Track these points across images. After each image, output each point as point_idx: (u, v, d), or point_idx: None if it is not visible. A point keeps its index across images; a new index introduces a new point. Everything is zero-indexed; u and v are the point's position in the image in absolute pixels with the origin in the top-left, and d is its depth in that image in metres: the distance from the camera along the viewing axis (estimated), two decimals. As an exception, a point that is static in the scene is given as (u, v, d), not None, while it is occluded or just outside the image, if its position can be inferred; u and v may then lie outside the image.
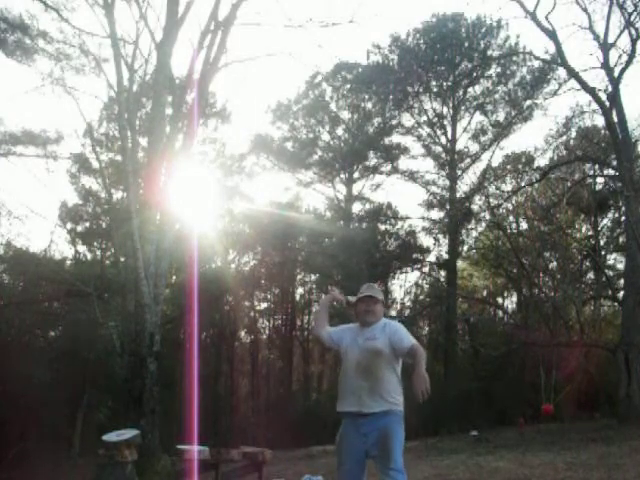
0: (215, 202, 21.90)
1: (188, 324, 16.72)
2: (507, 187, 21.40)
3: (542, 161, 22.22)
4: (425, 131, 26.11)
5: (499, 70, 24.23)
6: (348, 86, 26.62)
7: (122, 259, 14.59)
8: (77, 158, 20.21)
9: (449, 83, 25.04)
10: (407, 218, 26.23)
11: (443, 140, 25.85)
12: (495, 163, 23.96)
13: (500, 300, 27.89)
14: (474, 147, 25.56)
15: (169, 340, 18.14)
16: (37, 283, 19.23)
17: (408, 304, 28.02)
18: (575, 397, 17.70)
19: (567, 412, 17.54)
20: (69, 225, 21.67)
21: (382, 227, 26.54)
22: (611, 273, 23.02)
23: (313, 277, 28.91)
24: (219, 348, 25.95)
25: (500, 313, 27.04)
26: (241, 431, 22.41)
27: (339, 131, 27.84)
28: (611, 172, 17.90)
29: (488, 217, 21.81)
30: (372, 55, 25.07)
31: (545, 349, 17.11)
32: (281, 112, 27.09)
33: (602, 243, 24.12)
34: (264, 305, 29.85)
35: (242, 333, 29.00)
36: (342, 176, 27.78)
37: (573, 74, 16.12)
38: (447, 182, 25.10)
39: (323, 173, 27.61)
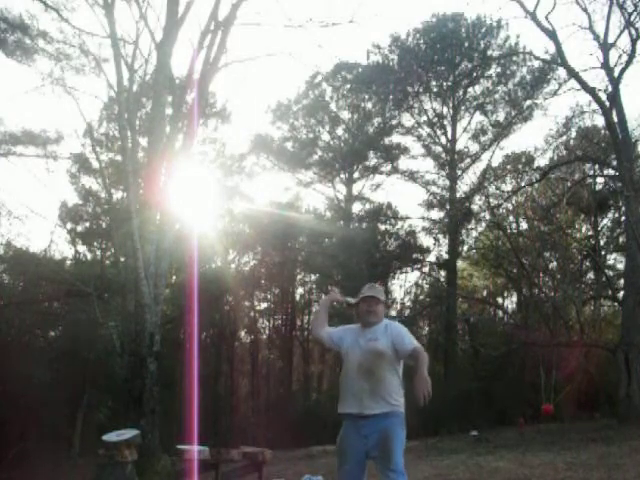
0: (215, 202, 21.92)
1: (188, 324, 16.71)
2: (507, 187, 21.44)
3: (542, 161, 22.26)
4: (425, 131, 26.14)
5: (499, 70, 24.23)
6: (348, 86, 26.62)
7: (122, 259, 14.59)
8: (77, 158, 20.22)
9: (449, 83, 25.04)
10: (407, 218, 26.25)
11: (443, 140, 25.86)
12: (495, 163, 24.02)
13: (500, 300, 27.91)
14: (474, 147, 25.62)
15: (169, 340, 18.14)
16: (37, 283, 19.23)
17: (408, 304, 28.04)
18: (575, 397, 17.70)
19: (567, 412, 17.53)
20: (69, 225, 21.69)
21: (382, 227, 26.54)
22: (611, 273, 23.03)
23: (313, 277, 28.92)
24: (219, 348, 25.95)
25: (500, 313, 27.05)
26: (241, 431, 22.40)
27: (339, 131, 27.86)
28: (611, 172, 17.91)
29: (488, 217, 21.83)
30: (372, 55, 25.12)
31: (545, 349, 17.11)
32: (281, 112, 27.09)
33: (602, 243, 24.12)
34: (264, 305, 29.89)
35: (242, 333, 29.03)
36: (342, 176, 27.79)
37: (573, 74, 16.13)
38: (447, 182, 25.11)
39: (323, 173, 27.61)
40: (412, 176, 26.20)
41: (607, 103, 15.45)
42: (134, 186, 10.83)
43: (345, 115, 27.55)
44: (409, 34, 24.58)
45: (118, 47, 11.10)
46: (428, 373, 3.42)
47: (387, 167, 27.01)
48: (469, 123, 25.76)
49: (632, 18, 15.38)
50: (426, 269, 27.16)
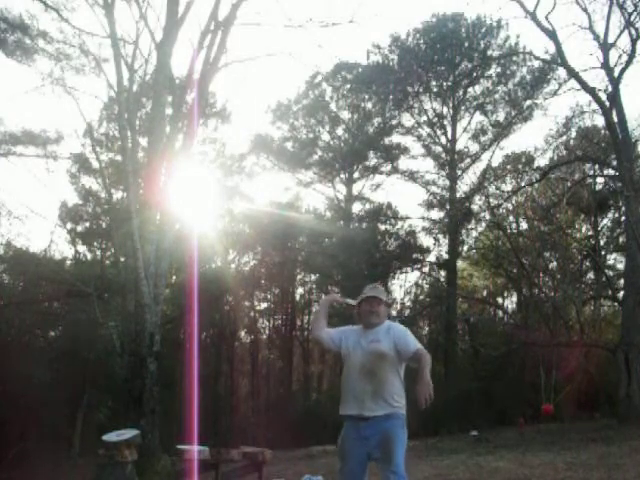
0: (215, 202, 21.91)
1: (188, 324, 16.72)
2: (507, 187, 21.45)
3: (542, 161, 22.27)
4: (425, 131, 26.14)
5: (499, 70, 24.24)
6: (348, 86, 26.62)
7: (122, 259, 14.59)
8: (77, 158, 20.22)
9: (449, 83, 25.04)
10: (407, 218, 26.25)
11: (443, 140, 25.86)
12: (495, 163, 24.02)
13: (500, 300, 27.91)
14: (474, 147, 25.62)
15: (169, 340, 18.14)
16: (37, 283, 19.24)
17: (408, 304, 28.03)
18: (575, 397, 17.70)
19: (567, 412, 17.54)
20: (69, 225, 21.68)
21: (382, 227, 26.53)
22: (611, 273, 23.03)
23: (313, 277, 28.91)
24: (219, 348, 25.95)
25: (500, 313, 27.06)
26: (241, 431, 22.40)
27: (339, 131, 27.87)
28: (611, 172, 17.92)
29: (488, 217, 21.83)
30: (372, 55, 25.12)
31: (545, 349, 17.11)
32: (281, 112, 27.10)
33: (602, 243, 24.12)
34: (264, 305, 29.89)
35: (242, 333, 29.03)
36: (342, 176, 27.79)
37: (573, 74, 16.13)
38: (447, 182, 25.11)
39: (323, 173, 27.61)
40: (412, 176, 26.21)
41: (607, 103, 15.46)
42: (134, 186, 10.83)
43: (345, 115, 27.58)
44: (409, 34, 24.60)
45: (118, 47, 11.10)
46: (430, 375, 3.40)
47: (387, 167, 27.05)
48: (469, 123, 25.81)
49: (632, 18, 15.40)
50: (426, 269, 27.19)
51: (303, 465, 11.10)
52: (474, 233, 25.66)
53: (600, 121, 18.79)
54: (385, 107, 26.11)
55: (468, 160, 25.21)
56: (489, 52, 24.25)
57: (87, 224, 22.14)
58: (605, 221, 24.71)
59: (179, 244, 14.52)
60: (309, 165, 27.44)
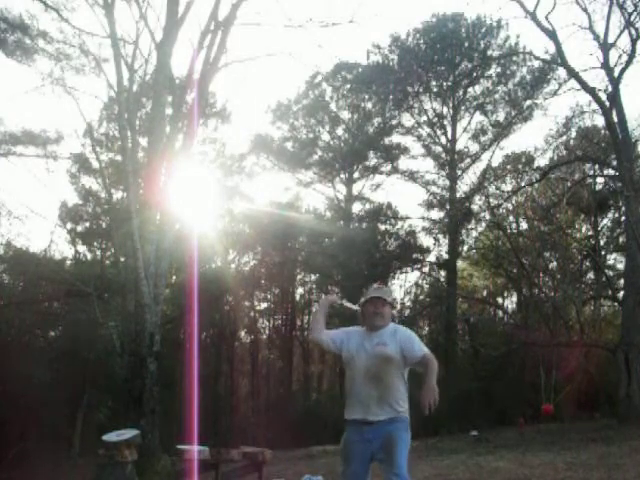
0: (215, 202, 21.90)
1: (188, 324, 16.72)
2: (507, 187, 21.45)
3: (542, 161, 22.28)
4: (425, 131, 26.14)
5: (499, 70, 24.24)
6: (348, 86, 26.62)
7: (122, 259, 14.59)
8: (77, 158, 20.22)
9: (449, 83, 25.04)
10: (407, 218, 26.25)
11: (443, 140, 25.86)
12: (495, 163, 24.03)
13: (500, 300, 27.91)
14: (474, 147, 25.62)
15: (169, 340, 18.14)
16: (37, 283, 19.24)
17: (408, 304, 28.03)
18: (575, 397, 17.70)
19: (567, 412, 17.54)
20: (69, 225, 21.70)
21: (382, 227, 26.54)
22: (611, 273, 23.03)
23: (313, 277, 28.92)
24: (219, 348, 25.95)
25: (500, 313, 27.06)
26: (241, 431, 22.40)
27: (339, 131, 27.86)
28: (611, 172, 17.92)
29: (488, 217, 21.83)
30: (372, 55, 25.12)
31: (545, 349, 17.11)
32: (281, 112, 27.10)
33: (602, 243, 24.13)
34: (264, 305, 29.89)
35: (242, 333, 29.02)
36: (342, 176, 27.79)
37: (573, 74, 16.13)
38: (447, 182, 25.11)
39: (323, 173, 27.61)
40: (412, 176, 26.22)
41: (607, 103, 15.46)
42: (134, 186, 10.84)
43: (345, 115, 27.58)
44: (409, 34, 24.60)
45: (118, 47, 11.10)
46: (436, 380, 3.37)
47: (387, 167, 27.05)
48: (469, 123, 25.82)
49: (632, 18, 15.40)
50: (426, 269, 27.19)
51: (303, 465, 11.10)
52: (474, 233, 25.70)
53: (600, 121, 18.83)
54: (385, 107, 26.11)
55: (468, 160, 25.23)
56: (489, 52, 24.27)
57: (87, 224, 22.16)
58: (605, 221, 24.75)
59: (179, 244, 14.52)
60: (309, 165, 27.44)
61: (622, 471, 7.31)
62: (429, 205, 25.52)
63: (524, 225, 22.80)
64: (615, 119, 15.36)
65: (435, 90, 25.18)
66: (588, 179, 21.16)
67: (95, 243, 22.26)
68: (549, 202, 20.02)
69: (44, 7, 12.76)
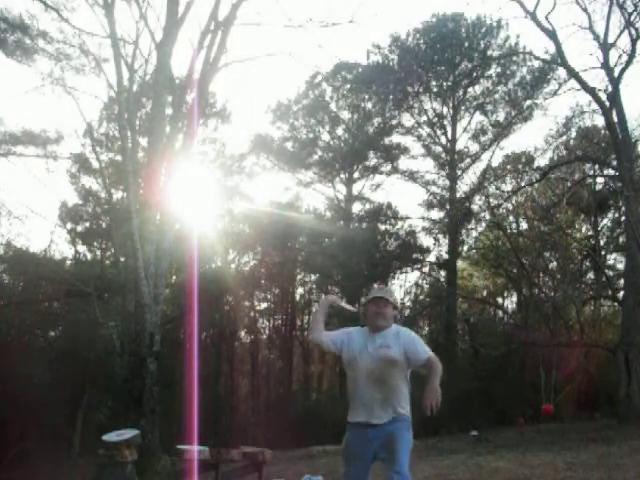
0: (215, 202, 21.90)
1: (188, 324, 16.71)
2: (507, 187, 21.46)
3: (542, 161, 22.29)
4: (425, 131, 26.15)
5: (499, 70, 24.24)
6: (348, 86, 26.62)
7: (122, 259, 14.59)
8: (77, 158, 20.23)
9: (449, 83, 25.05)
10: (407, 218, 26.25)
11: (443, 140, 25.87)
12: (495, 163, 24.04)
13: (500, 300, 27.92)
14: (474, 147, 25.63)
15: (169, 340, 18.13)
16: (37, 283, 19.24)
17: (408, 304, 28.03)
18: (575, 397, 17.70)
19: (567, 412, 17.54)
20: (69, 225, 21.70)
21: (382, 227, 26.55)
22: (611, 273, 23.04)
23: (313, 277, 28.91)
24: (219, 348, 25.94)
25: (500, 313, 27.06)
26: (241, 431, 22.39)
27: (339, 131, 27.87)
28: (611, 172, 17.92)
29: (488, 217, 21.84)
30: (372, 55, 25.12)
31: (545, 349, 17.11)
32: (281, 112, 27.10)
33: (602, 243, 24.13)
34: (264, 305, 29.88)
35: (242, 333, 29.01)
36: (342, 176, 27.79)
37: (573, 74, 16.13)
38: (447, 182, 25.12)
39: (323, 173, 27.61)
40: (412, 176, 26.22)
41: (607, 103, 15.45)
42: (134, 186, 10.84)
43: (345, 115, 27.59)
44: (409, 34, 24.60)
45: (118, 47, 11.10)
46: (440, 382, 3.36)
47: (387, 167, 27.06)
48: (469, 123, 25.82)
49: (632, 18, 15.40)
50: (426, 269, 27.19)
51: (303, 465, 11.10)
52: (474, 233, 25.71)
53: (600, 121, 18.83)
54: (385, 107, 26.12)
55: (468, 160, 25.24)
56: (489, 52, 24.27)
57: (87, 224, 22.16)
58: (605, 221, 24.76)
59: (179, 244, 14.53)
60: (309, 165, 27.45)
61: (622, 471, 7.30)
62: (429, 205, 25.54)
63: (524, 225, 22.84)
64: (615, 119, 15.36)
65: (435, 90, 25.18)
66: (588, 179, 21.16)
67: (95, 243, 22.26)
68: (549, 202, 20.02)
69: (44, 7, 12.78)
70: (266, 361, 29.59)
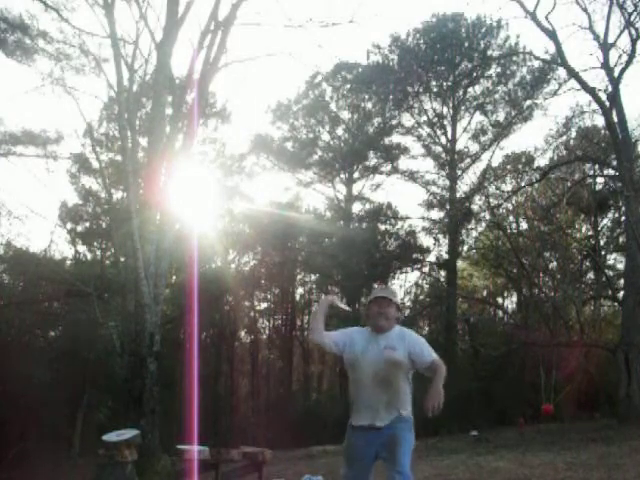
0: (215, 202, 21.91)
1: (188, 324, 16.72)
2: (507, 187, 21.46)
3: (542, 161, 22.28)
4: (425, 131, 26.15)
5: (499, 70, 24.24)
6: (348, 86, 26.63)
7: (122, 259, 14.59)
8: (77, 158, 20.24)
9: (449, 83, 25.05)
10: (407, 218, 26.26)
11: (443, 140, 25.87)
12: (495, 163, 24.04)
13: (500, 300, 27.92)
14: (474, 147, 25.63)
15: (169, 340, 18.14)
16: (37, 283, 19.25)
17: (408, 304, 28.01)
18: (575, 397, 17.70)
19: (567, 412, 17.54)
20: (69, 225, 21.71)
21: (382, 227, 26.56)
22: (611, 273, 23.04)
23: (313, 277, 28.93)
24: (219, 348, 25.95)
25: (500, 313, 27.07)
26: (241, 431, 22.40)
27: (339, 131, 27.88)
28: (611, 172, 17.91)
29: (488, 217, 21.84)
30: (372, 55, 25.13)
31: (545, 349, 17.11)
32: (281, 112, 27.10)
33: (602, 243, 24.13)
34: (264, 305, 29.90)
35: (242, 333, 29.03)
36: (342, 176, 27.80)
37: (573, 74, 16.12)
38: (447, 182, 25.12)
39: (323, 173, 27.62)
40: (412, 176, 26.22)
41: (607, 103, 15.45)
42: (134, 186, 10.84)
43: (345, 115, 27.59)
44: (409, 34, 24.61)
45: (118, 47, 11.10)
46: (443, 384, 3.36)
47: (387, 167, 27.06)
48: (469, 123, 25.82)
49: (632, 18, 15.38)
50: (426, 269, 27.20)
51: (303, 465, 11.09)
52: (474, 233, 25.71)
53: (600, 121, 18.82)
54: (385, 107, 26.12)
55: (468, 160, 25.24)
56: (489, 52, 24.27)
57: (87, 224, 22.17)
58: (605, 221, 24.76)
59: (179, 244, 14.53)
60: (309, 165, 27.45)
61: (622, 471, 7.30)
62: (429, 205, 25.55)
63: (524, 225, 22.84)
64: (615, 119, 15.35)
65: (435, 90, 25.18)
66: (588, 179, 21.16)
67: (95, 243, 22.27)
68: (549, 202, 20.01)
69: (44, 7, 12.78)
70: (266, 361, 29.60)
